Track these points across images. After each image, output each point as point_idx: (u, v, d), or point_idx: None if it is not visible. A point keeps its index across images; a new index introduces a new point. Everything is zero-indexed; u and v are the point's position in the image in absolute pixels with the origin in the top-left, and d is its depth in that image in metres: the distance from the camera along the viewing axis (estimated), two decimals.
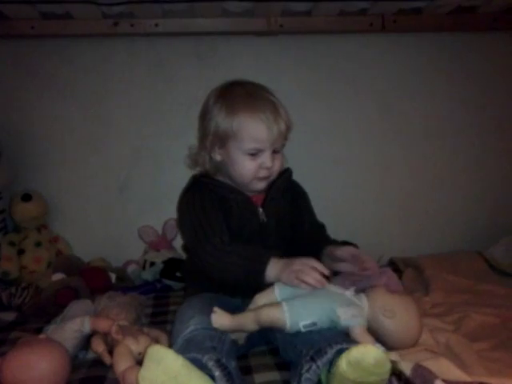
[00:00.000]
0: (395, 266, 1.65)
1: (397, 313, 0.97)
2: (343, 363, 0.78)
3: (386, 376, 0.81)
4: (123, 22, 1.57)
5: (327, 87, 1.75)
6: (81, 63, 1.68)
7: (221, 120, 1.14)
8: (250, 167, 1.14)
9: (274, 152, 1.15)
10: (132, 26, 1.58)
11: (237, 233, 1.15)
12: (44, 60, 1.66)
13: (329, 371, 0.84)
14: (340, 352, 0.82)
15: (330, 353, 0.85)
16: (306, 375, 0.85)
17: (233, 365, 0.88)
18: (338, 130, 1.78)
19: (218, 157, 1.19)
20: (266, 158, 1.13)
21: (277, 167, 1.17)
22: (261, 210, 1.19)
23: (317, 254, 1.16)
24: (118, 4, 1.47)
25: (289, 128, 1.15)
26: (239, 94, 1.14)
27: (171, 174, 1.72)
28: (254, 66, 1.72)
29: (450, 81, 1.79)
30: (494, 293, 1.41)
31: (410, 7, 1.61)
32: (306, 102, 1.74)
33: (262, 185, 1.18)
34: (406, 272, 1.58)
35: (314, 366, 0.85)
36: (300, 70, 1.74)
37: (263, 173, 1.15)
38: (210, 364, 0.83)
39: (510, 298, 1.37)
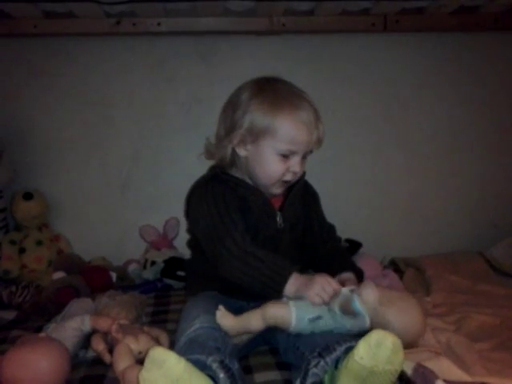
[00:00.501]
0: (396, 266, 1.65)
1: (394, 301, 0.96)
2: (360, 350, 0.78)
3: (399, 368, 0.80)
4: (125, 20, 1.57)
5: (329, 86, 1.75)
6: (83, 62, 1.68)
7: (260, 115, 1.07)
8: (279, 168, 1.09)
9: (303, 157, 1.11)
10: (134, 25, 1.58)
11: (252, 235, 1.10)
12: (46, 59, 1.67)
13: (335, 368, 0.84)
14: (349, 350, 0.82)
15: (339, 350, 0.84)
16: (313, 370, 0.84)
17: (236, 366, 0.88)
18: (339, 130, 1.78)
19: (243, 152, 1.12)
20: (295, 162, 1.09)
21: (301, 173, 1.14)
22: (279, 214, 1.15)
23: (327, 258, 1.17)
24: (121, 3, 1.47)
25: (323, 129, 1.13)
26: (282, 92, 1.10)
27: (172, 174, 1.72)
28: (255, 65, 1.71)
29: (452, 80, 1.79)
30: (495, 293, 1.41)
31: (412, 7, 1.61)
32: None
33: (282, 189, 1.14)
34: (407, 272, 1.57)
35: (322, 362, 0.84)
36: (302, 70, 1.73)
37: (289, 176, 1.11)
38: (215, 366, 0.83)
39: (510, 299, 1.36)
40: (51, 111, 1.69)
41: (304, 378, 0.85)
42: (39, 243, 1.62)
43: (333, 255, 1.22)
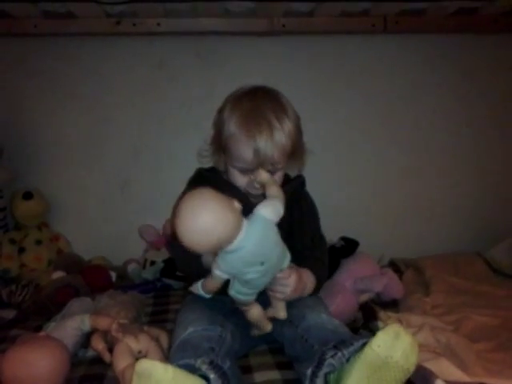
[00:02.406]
0: (396, 266, 1.65)
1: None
2: (379, 339, 0.79)
3: (411, 369, 0.80)
4: (125, 21, 1.58)
5: (329, 87, 1.75)
6: (83, 62, 1.68)
7: (225, 131, 1.10)
8: (241, 181, 1.10)
9: (270, 171, 1.08)
10: (134, 25, 1.59)
11: None
12: (46, 58, 1.67)
13: (347, 361, 0.84)
14: (366, 345, 0.82)
15: (357, 344, 0.84)
16: (330, 360, 0.84)
17: (228, 364, 0.88)
18: (339, 130, 1.79)
19: (222, 159, 1.16)
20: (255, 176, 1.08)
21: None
22: None
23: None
24: (121, 3, 1.47)
25: (286, 150, 1.08)
26: (241, 110, 1.09)
27: (172, 174, 1.72)
28: (255, 66, 1.72)
29: (451, 81, 1.80)
30: (494, 294, 1.42)
31: (412, 8, 1.61)
32: (308, 102, 1.73)
33: (258, 192, 1.11)
34: (406, 273, 1.58)
35: (339, 354, 0.84)
36: (302, 70, 1.74)
37: (254, 190, 1.10)
38: (204, 367, 0.83)
39: (509, 300, 1.37)
40: (51, 111, 1.69)
41: (318, 367, 0.85)
42: (39, 242, 1.62)
43: (303, 261, 1.13)
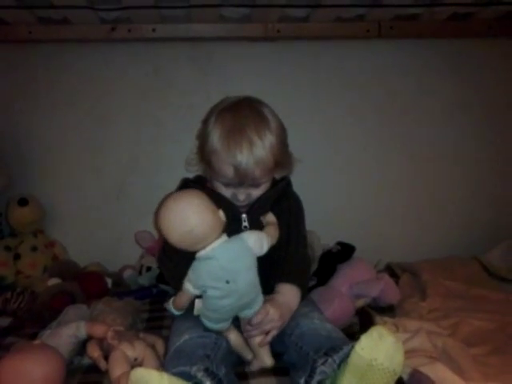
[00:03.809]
0: (392, 271, 1.64)
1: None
2: (362, 341, 0.79)
3: (398, 370, 0.80)
4: (121, 27, 1.58)
5: (324, 92, 1.76)
6: (78, 68, 1.68)
7: (208, 145, 1.11)
8: (225, 193, 1.11)
9: (253, 185, 1.10)
10: (129, 31, 1.59)
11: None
12: (41, 65, 1.67)
13: (338, 367, 0.84)
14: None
15: (347, 348, 0.85)
16: (321, 368, 0.85)
17: (223, 371, 0.88)
18: (335, 135, 1.79)
19: (207, 171, 1.18)
20: (238, 191, 1.10)
21: (254, 197, 1.12)
22: (244, 215, 1.13)
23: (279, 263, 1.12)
24: (116, 9, 1.48)
25: (268, 166, 1.08)
26: (223, 126, 1.08)
27: (168, 179, 1.70)
28: (250, 71, 1.72)
29: (446, 86, 1.80)
30: (491, 298, 1.42)
31: (406, 14, 1.62)
32: (303, 107, 1.75)
33: (242, 204, 1.13)
34: (402, 277, 1.57)
35: (330, 360, 0.85)
36: (297, 76, 1.74)
37: (238, 203, 1.11)
38: (200, 375, 0.83)
39: (506, 304, 1.37)
40: (46, 117, 1.69)
41: (310, 377, 0.85)
42: (34, 249, 1.62)
43: (285, 262, 1.14)
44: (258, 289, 0.99)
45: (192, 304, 0.98)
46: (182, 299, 0.97)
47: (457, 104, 1.82)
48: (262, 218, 1.11)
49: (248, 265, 0.95)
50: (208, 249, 0.93)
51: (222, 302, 0.94)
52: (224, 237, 0.96)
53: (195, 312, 0.98)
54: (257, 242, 0.97)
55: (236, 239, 0.97)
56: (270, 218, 1.10)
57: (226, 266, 0.93)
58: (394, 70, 1.78)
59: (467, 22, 1.69)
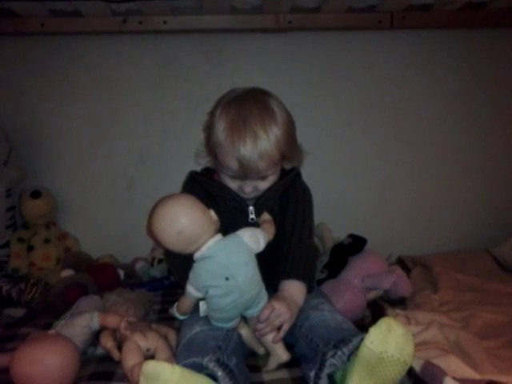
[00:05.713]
0: (404, 264, 1.64)
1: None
2: (371, 334, 0.79)
3: (409, 361, 0.80)
4: (132, 19, 1.57)
5: (335, 84, 1.75)
6: (89, 60, 1.68)
7: (214, 137, 1.11)
8: (232, 185, 1.12)
9: (259, 177, 1.10)
10: (140, 23, 1.58)
11: (224, 230, 1.05)
12: (53, 57, 1.67)
13: (348, 359, 0.84)
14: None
15: (356, 340, 0.85)
16: (331, 360, 0.85)
17: (234, 362, 0.89)
18: (345, 128, 1.78)
19: (213, 162, 1.19)
20: (244, 183, 1.10)
21: (261, 189, 1.12)
22: (251, 208, 1.14)
23: (285, 256, 1.11)
24: (127, 1, 1.47)
25: (274, 159, 1.07)
26: (228, 119, 1.08)
27: (178, 171, 1.70)
28: (262, 63, 1.71)
29: (458, 77, 1.78)
30: (503, 291, 1.41)
31: (419, 4, 1.60)
32: (314, 98, 1.74)
33: (249, 196, 1.13)
34: (414, 270, 1.57)
35: (339, 352, 0.85)
36: (308, 67, 1.73)
37: (245, 195, 1.12)
38: (211, 365, 0.84)
39: None
40: (58, 110, 1.69)
41: (320, 369, 0.85)
42: (47, 241, 1.63)
43: (288, 255, 1.13)
44: (261, 285, 0.99)
45: (198, 306, 0.99)
46: (185, 303, 0.98)
47: (470, 95, 1.79)
48: (257, 220, 1.12)
49: (245, 259, 0.95)
50: (203, 249, 0.94)
51: (225, 300, 0.94)
52: (218, 236, 0.96)
53: (201, 313, 0.98)
54: (251, 237, 0.97)
55: (230, 236, 0.98)
56: (265, 216, 1.10)
57: (222, 262, 0.93)
58: (406, 61, 1.76)
59: (481, 12, 1.66)
